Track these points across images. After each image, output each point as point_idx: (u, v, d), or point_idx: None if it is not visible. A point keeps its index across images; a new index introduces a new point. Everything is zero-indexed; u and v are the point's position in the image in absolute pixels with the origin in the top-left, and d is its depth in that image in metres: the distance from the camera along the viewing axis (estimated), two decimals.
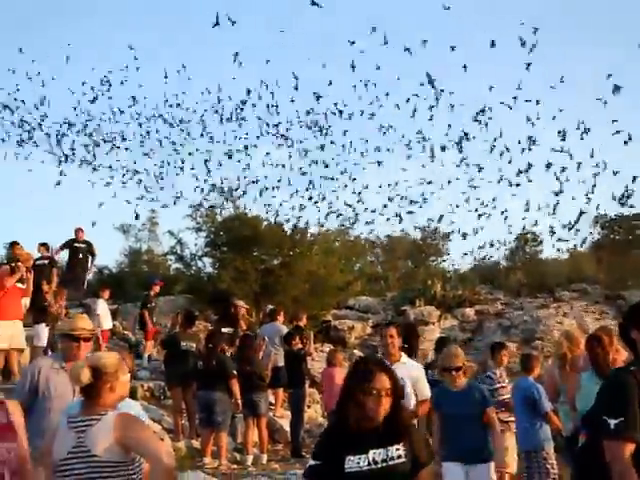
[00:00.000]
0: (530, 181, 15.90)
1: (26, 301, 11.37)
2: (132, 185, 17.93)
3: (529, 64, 12.86)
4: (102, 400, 3.45)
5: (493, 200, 16.92)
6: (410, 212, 17.78)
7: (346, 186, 18.13)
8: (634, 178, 14.27)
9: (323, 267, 18.07)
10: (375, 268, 25.48)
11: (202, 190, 18.34)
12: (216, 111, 17.38)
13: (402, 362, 5.95)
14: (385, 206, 17.65)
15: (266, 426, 10.02)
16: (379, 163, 16.95)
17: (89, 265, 15.92)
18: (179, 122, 17.88)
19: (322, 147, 17.37)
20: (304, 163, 17.77)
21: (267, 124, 17.36)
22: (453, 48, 13.25)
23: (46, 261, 12.99)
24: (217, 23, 12.08)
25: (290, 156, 17.90)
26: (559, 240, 16.58)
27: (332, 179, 17.82)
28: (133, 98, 17.39)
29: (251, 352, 10.10)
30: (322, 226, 19.69)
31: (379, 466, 3.02)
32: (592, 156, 14.47)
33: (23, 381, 4.84)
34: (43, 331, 11.05)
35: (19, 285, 10.66)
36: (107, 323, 13.41)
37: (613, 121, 13.75)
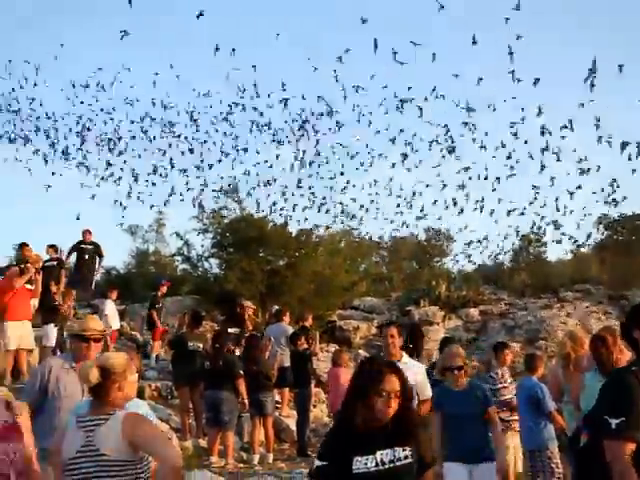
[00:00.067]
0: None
1: (35, 302, 11.42)
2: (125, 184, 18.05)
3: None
4: (110, 400, 3.46)
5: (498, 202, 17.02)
6: (421, 217, 17.89)
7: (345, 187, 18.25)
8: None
9: (328, 268, 18.10)
10: (380, 269, 25.47)
11: (195, 189, 18.41)
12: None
13: (403, 362, 5.92)
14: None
15: (272, 425, 10.02)
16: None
17: (96, 266, 15.95)
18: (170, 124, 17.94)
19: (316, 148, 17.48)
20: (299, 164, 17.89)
21: (258, 125, 17.44)
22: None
23: (55, 262, 13.03)
24: (201, 14, 12.06)
25: (277, 156, 17.98)
26: (563, 234, 16.57)
27: (331, 178, 17.89)
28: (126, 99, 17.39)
29: (257, 352, 10.11)
30: (328, 227, 19.78)
31: (386, 467, 3.00)
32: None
33: (33, 381, 4.86)
34: (52, 331, 11.07)
35: (28, 286, 10.71)
36: (115, 323, 13.45)
37: None
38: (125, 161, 17.91)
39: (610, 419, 3.01)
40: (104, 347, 5.04)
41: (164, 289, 14.48)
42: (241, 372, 9.29)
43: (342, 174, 17.90)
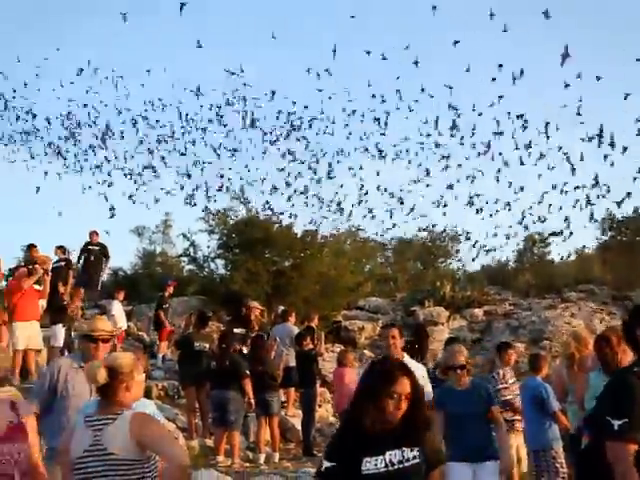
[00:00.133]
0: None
1: (43, 302, 11.46)
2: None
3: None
4: (118, 399, 3.47)
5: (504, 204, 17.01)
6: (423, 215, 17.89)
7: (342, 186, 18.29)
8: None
9: (334, 268, 18.09)
10: (385, 269, 25.42)
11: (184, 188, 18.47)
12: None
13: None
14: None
15: (278, 425, 10.03)
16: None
17: (102, 267, 16.03)
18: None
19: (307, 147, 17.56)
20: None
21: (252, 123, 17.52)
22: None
23: (62, 263, 13.08)
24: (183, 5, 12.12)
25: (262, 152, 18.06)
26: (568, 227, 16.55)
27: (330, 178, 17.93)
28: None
29: (263, 352, 10.12)
30: (338, 230, 19.82)
31: (395, 467, 2.98)
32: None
33: (42, 380, 4.88)
34: (60, 332, 11.10)
35: (36, 287, 10.76)
36: (122, 324, 13.48)
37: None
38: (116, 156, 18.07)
39: (613, 420, 2.98)
40: (112, 347, 5.05)
41: (171, 289, 14.50)
42: (247, 372, 9.30)
43: (330, 175, 17.98)
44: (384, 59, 14.00)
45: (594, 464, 3.25)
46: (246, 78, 16.50)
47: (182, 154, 18.27)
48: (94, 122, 17.93)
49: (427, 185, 18.06)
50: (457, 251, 26.73)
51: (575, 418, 6.09)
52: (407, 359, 6.06)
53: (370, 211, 18.91)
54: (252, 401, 9.31)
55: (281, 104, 17.38)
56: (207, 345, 10.32)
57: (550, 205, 16.66)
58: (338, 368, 10.18)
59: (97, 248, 15.66)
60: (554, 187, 16.36)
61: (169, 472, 3.32)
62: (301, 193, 18.34)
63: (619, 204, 16.64)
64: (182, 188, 18.34)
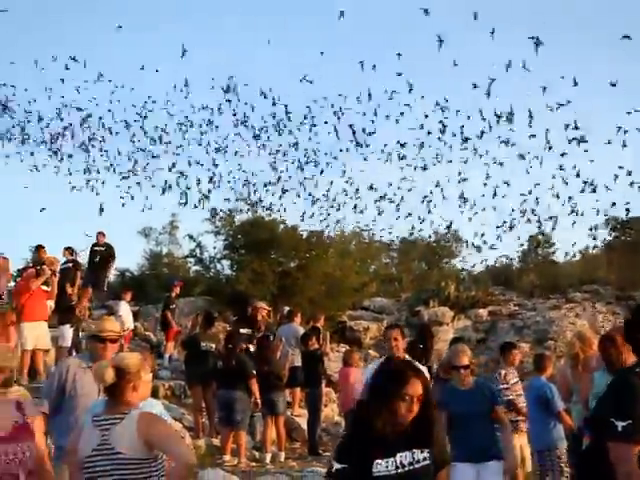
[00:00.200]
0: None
1: (51, 303, 11.49)
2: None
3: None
4: (125, 399, 3.48)
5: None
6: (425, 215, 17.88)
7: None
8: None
9: (339, 269, 18.10)
10: (390, 270, 25.40)
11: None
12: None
13: None
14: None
15: (284, 425, 10.03)
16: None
17: (108, 267, 16.08)
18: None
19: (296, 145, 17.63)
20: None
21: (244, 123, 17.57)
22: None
23: (70, 264, 13.12)
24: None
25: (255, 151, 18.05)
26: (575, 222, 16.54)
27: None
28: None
29: (269, 353, 10.13)
30: (343, 232, 19.82)
31: (406, 469, 2.96)
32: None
33: (51, 380, 4.90)
34: (68, 332, 11.12)
35: (44, 287, 10.78)
36: (129, 324, 13.49)
37: None
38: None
39: (616, 421, 2.95)
40: (119, 347, 5.06)
41: (177, 290, 14.52)
42: (254, 372, 9.30)
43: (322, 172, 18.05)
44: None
45: (595, 465, 3.23)
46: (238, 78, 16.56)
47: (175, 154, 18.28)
48: (86, 120, 17.91)
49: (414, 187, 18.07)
50: (460, 252, 26.78)
51: (579, 418, 6.07)
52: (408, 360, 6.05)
53: (361, 212, 18.94)
54: (258, 401, 9.32)
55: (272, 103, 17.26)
56: (213, 345, 10.33)
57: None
58: (343, 368, 10.18)
59: (103, 249, 15.72)
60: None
61: (176, 471, 3.33)
62: (286, 191, 18.39)
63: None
64: (169, 188, 18.32)
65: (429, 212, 18.15)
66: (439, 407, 5.71)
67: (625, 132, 14.06)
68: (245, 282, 16.85)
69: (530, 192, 16.92)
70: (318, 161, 17.88)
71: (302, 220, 18.89)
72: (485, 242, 18.90)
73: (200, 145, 18.10)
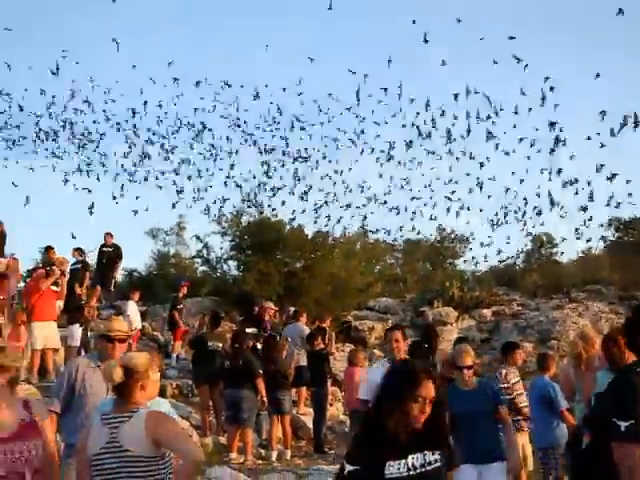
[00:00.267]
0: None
1: (60, 303, 11.53)
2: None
3: None
4: (133, 398, 3.49)
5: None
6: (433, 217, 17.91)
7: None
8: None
9: (344, 270, 18.11)
10: (394, 270, 25.39)
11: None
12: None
13: None
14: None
15: (290, 423, 10.03)
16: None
17: (115, 268, 16.13)
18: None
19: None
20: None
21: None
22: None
23: (79, 265, 13.15)
24: None
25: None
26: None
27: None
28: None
29: (275, 352, 10.13)
30: (347, 230, 19.82)
31: (418, 471, 2.93)
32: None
33: (61, 380, 4.92)
34: (77, 331, 11.16)
35: (54, 288, 10.82)
36: (137, 324, 13.52)
37: None
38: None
39: (619, 421, 2.94)
40: (127, 347, 5.08)
41: (184, 290, 14.54)
42: (260, 371, 9.31)
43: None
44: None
45: (595, 463, 3.21)
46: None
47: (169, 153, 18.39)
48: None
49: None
50: (464, 252, 26.79)
51: (582, 417, 6.05)
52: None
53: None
54: (265, 399, 9.32)
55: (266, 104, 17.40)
56: (220, 345, 10.35)
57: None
58: (349, 367, 10.18)
59: (110, 250, 15.77)
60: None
61: (183, 468, 3.34)
62: (278, 189, 18.47)
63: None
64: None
65: (419, 213, 18.24)
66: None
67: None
68: (251, 282, 16.89)
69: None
70: (311, 160, 18.04)
71: (293, 219, 19.02)
72: (482, 243, 18.97)
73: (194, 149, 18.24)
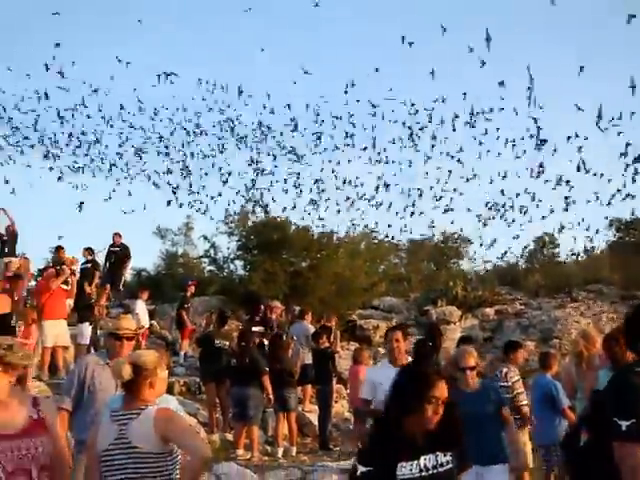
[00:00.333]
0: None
1: (70, 302, 11.57)
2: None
3: None
4: (142, 395, 3.50)
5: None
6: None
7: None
8: None
9: (349, 269, 18.09)
10: (399, 270, 25.34)
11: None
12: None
13: None
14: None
15: (295, 420, 10.05)
16: None
17: (124, 267, 16.17)
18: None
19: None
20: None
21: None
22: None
23: (89, 265, 13.20)
24: None
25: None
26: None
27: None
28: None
29: (281, 351, 10.13)
30: (351, 230, 19.84)
31: (430, 472, 2.91)
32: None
33: (71, 377, 4.94)
34: (87, 330, 11.21)
35: (64, 286, 10.86)
36: (145, 322, 13.55)
37: None
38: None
39: (620, 421, 2.90)
40: (136, 345, 5.09)
41: (192, 289, 14.57)
42: (266, 369, 9.32)
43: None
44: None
45: (593, 461, 3.19)
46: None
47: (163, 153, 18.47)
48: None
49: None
50: (467, 252, 26.76)
51: (580, 414, 6.04)
52: (411, 361, 6.00)
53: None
54: (271, 397, 9.33)
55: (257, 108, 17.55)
56: (227, 343, 10.37)
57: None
58: (353, 365, 10.19)
59: (118, 249, 15.81)
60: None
61: (191, 464, 3.35)
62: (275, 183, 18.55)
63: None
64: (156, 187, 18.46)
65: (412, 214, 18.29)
66: None
67: None
68: (258, 282, 16.90)
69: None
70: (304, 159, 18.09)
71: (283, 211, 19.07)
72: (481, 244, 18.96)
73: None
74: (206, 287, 18.50)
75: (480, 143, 16.20)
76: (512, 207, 17.35)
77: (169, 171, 18.56)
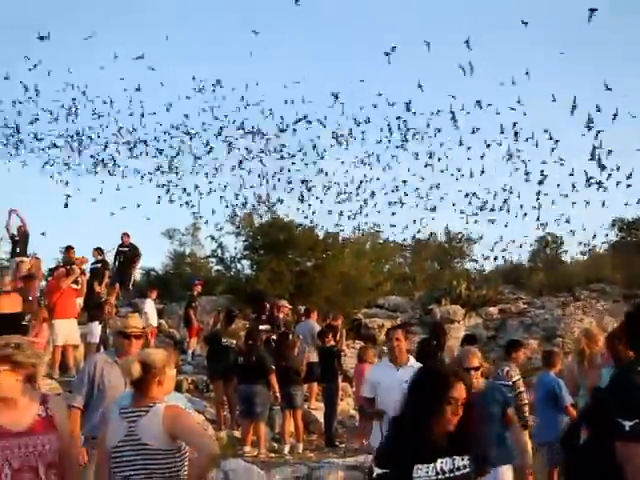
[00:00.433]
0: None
1: (80, 301, 11.59)
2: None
3: None
4: (151, 393, 3.51)
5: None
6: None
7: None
8: None
9: (354, 269, 18.10)
10: (403, 269, 25.35)
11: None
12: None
13: (409, 365, 5.81)
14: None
15: (302, 418, 10.04)
16: None
17: (133, 267, 16.20)
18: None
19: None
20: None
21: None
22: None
23: (99, 264, 13.23)
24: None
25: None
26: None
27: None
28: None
29: (287, 349, 10.13)
30: (358, 229, 19.85)
31: (446, 476, 2.84)
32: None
33: (82, 376, 4.96)
34: (96, 328, 11.22)
35: (74, 286, 10.89)
36: (153, 321, 13.57)
37: None
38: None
39: (623, 421, 2.87)
40: (145, 343, 5.10)
41: (199, 288, 14.59)
42: (273, 367, 9.33)
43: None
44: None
45: (593, 459, 3.16)
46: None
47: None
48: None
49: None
50: (471, 252, 26.74)
51: (580, 411, 6.02)
52: (412, 361, 5.98)
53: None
54: (277, 395, 9.33)
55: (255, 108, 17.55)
56: (234, 341, 10.38)
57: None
58: (359, 364, 10.18)
59: (127, 249, 15.83)
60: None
61: (199, 461, 3.36)
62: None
63: None
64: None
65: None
66: None
67: None
68: (264, 281, 16.91)
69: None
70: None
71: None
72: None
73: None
74: (213, 286, 18.55)
75: (488, 145, 16.09)
76: (510, 209, 17.25)
77: (159, 168, 18.58)
